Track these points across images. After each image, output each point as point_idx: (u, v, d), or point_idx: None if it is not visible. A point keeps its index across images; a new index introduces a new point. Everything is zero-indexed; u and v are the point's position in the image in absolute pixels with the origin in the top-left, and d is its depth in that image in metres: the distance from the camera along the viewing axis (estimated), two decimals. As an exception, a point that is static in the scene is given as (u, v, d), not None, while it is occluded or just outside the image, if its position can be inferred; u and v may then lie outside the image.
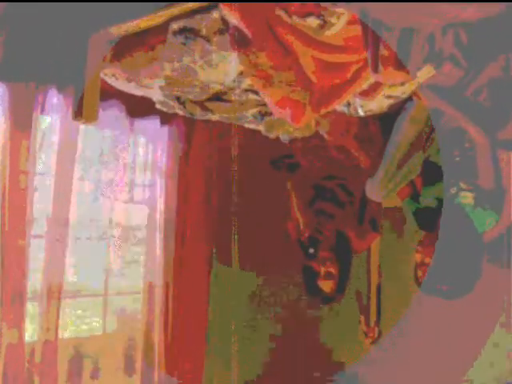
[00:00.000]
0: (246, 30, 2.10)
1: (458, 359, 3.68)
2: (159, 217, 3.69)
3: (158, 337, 3.65)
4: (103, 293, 3.57)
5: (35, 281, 3.11)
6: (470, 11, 1.92)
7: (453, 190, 2.66)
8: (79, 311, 4.21)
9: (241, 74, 2.39)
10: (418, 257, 2.90)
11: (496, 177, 2.55)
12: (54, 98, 2.95)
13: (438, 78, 2.26)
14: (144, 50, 2.36)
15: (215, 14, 2.18)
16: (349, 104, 2.68)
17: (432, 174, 2.82)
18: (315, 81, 2.22)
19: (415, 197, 3.02)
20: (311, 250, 3.20)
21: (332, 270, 3.14)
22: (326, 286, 3.16)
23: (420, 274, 2.87)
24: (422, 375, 3.77)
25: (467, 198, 2.63)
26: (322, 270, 3.14)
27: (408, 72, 2.07)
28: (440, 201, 2.78)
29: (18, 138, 2.85)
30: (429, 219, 2.85)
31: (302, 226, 3.36)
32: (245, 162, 4.17)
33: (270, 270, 4.34)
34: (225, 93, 2.56)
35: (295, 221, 3.39)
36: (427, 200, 2.90)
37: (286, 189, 3.46)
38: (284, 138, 3.04)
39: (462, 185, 2.63)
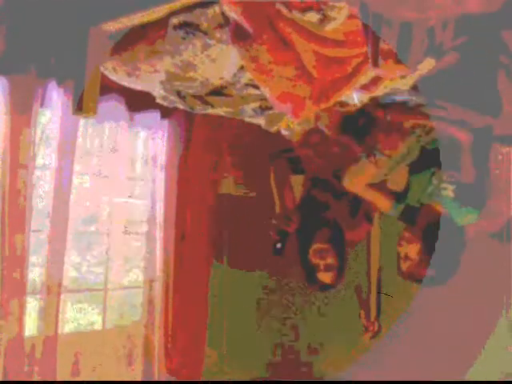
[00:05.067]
0: (246, 25, 2.10)
1: (459, 355, 3.69)
2: (159, 211, 3.69)
3: (157, 332, 3.66)
4: (103, 288, 3.57)
5: (35, 276, 3.11)
6: (470, 5, 1.92)
7: (435, 181, 2.71)
8: (79, 306, 4.21)
9: (241, 68, 2.39)
10: (401, 250, 2.92)
11: (477, 173, 2.58)
12: (54, 91, 2.94)
13: (431, 72, 2.27)
14: (144, 44, 2.37)
15: (216, 9, 2.18)
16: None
17: (421, 161, 2.85)
18: (316, 75, 2.22)
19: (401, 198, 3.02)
20: (278, 245, 3.13)
21: (331, 261, 3.09)
22: (326, 277, 3.11)
23: (404, 267, 2.90)
24: (422, 371, 3.78)
25: (447, 190, 2.67)
26: (321, 263, 3.09)
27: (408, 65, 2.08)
28: (423, 195, 2.83)
29: (18, 131, 2.85)
30: (410, 214, 2.90)
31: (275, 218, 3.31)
32: (245, 156, 4.17)
33: (268, 266, 4.35)
34: (225, 87, 2.56)
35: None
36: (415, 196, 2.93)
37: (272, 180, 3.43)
38: (284, 132, 3.04)
39: (444, 177, 2.68)
